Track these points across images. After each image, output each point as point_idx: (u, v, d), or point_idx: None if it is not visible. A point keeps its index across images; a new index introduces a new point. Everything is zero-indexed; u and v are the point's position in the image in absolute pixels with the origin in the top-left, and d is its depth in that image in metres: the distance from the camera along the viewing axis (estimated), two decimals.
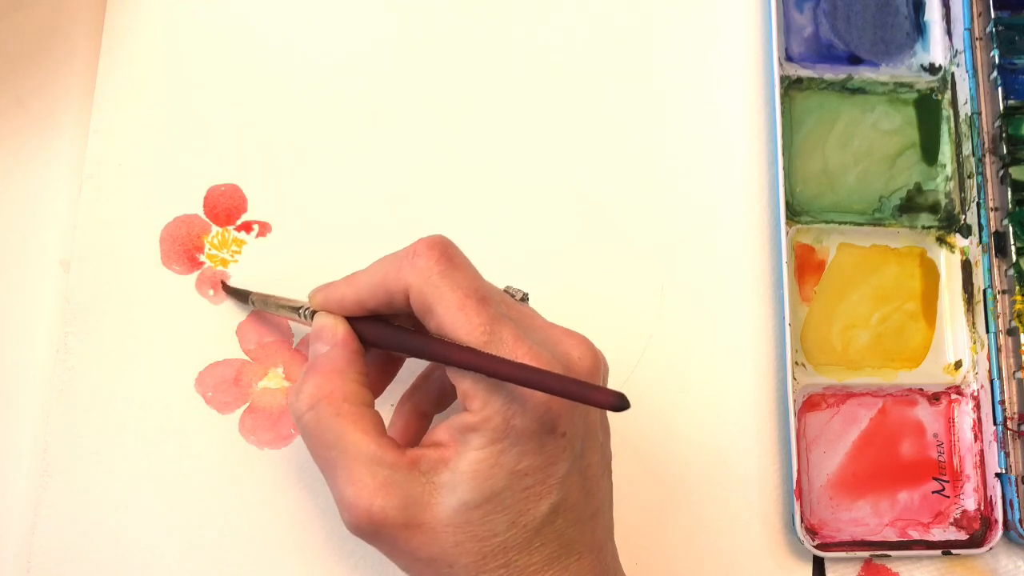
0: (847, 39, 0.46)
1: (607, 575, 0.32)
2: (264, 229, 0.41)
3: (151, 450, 0.38)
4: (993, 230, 0.43)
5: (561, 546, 0.30)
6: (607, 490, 0.33)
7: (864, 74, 0.46)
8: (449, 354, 0.29)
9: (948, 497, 0.42)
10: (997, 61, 0.45)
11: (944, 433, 0.43)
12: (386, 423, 0.32)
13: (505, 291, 0.33)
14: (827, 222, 0.44)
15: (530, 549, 0.30)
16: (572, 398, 0.28)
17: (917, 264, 0.44)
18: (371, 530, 0.30)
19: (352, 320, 0.33)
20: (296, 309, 0.35)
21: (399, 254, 0.31)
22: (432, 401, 0.35)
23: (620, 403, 0.27)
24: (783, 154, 0.42)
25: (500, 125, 0.44)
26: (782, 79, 0.44)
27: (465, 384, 0.30)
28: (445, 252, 0.31)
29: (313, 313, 0.34)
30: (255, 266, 0.41)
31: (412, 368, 0.36)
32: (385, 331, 0.33)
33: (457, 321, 0.29)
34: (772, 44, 0.44)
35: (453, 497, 0.29)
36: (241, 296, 0.40)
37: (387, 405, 0.36)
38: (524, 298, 0.34)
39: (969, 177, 0.44)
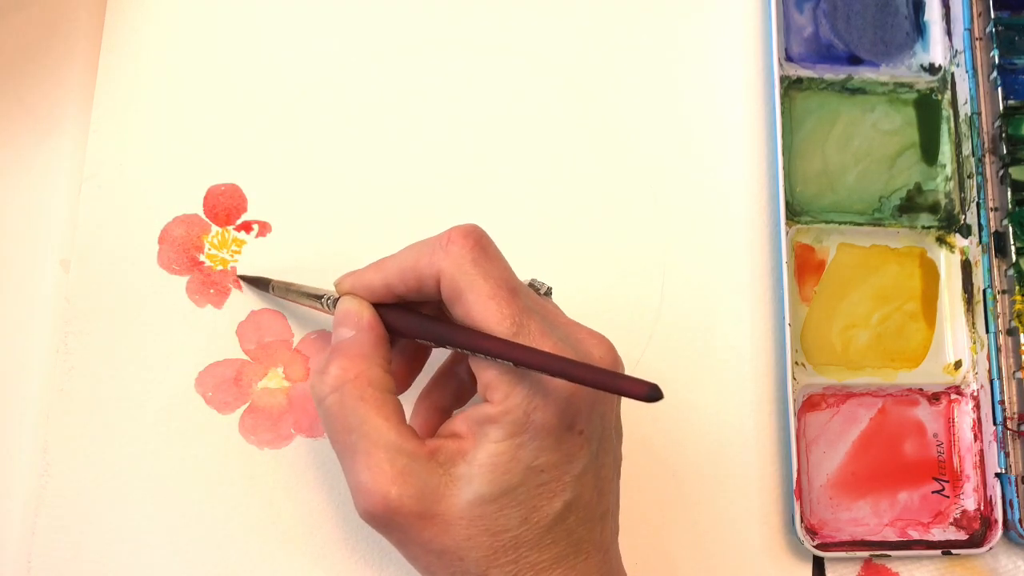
0: (847, 39, 0.46)
1: None
2: (264, 229, 0.41)
3: (151, 450, 0.38)
4: (993, 230, 0.43)
5: (570, 544, 0.30)
6: (616, 492, 0.33)
7: (864, 74, 0.45)
8: (478, 342, 0.29)
9: (948, 497, 0.42)
10: (997, 61, 0.45)
11: (944, 433, 0.43)
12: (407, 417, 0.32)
13: (530, 284, 0.33)
14: (827, 222, 0.44)
15: (540, 546, 0.30)
16: (604, 388, 0.27)
17: (917, 264, 0.44)
18: (385, 518, 0.30)
19: (378, 307, 0.33)
20: (319, 298, 0.35)
21: (432, 240, 0.31)
22: (451, 397, 0.35)
23: (653, 393, 0.25)
24: (783, 154, 0.42)
25: (500, 125, 0.44)
26: (782, 79, 0.44)
27: (488, 375, 0.29)
28: (479, 241, 0.31)
29: (336, 301, 0.34)
30: (255, 266, 0.41)
31: (433, 364, 0.36)
32: (411, 319, 0.32)
33: (487, 310, 0.29)
34: (772, 44, 0.44)
35: (469, 490, 0.29)
36: (261, 284, 0.40)
37: (410, 399, 0.36)
38: (548, 292, 0.34)
39: (969, 177, 0.44)
